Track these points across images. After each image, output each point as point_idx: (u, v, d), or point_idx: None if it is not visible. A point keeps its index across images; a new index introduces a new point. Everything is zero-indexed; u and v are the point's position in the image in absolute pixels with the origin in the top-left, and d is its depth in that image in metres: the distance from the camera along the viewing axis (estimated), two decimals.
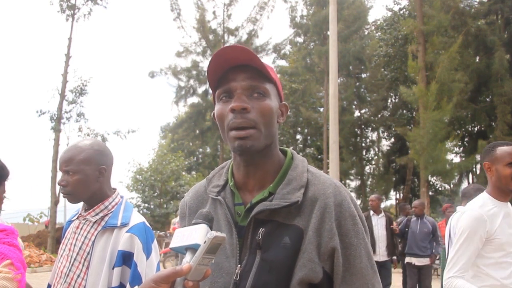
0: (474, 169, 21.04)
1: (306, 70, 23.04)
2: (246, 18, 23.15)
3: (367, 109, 25.21)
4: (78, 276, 1.62)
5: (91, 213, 1.70)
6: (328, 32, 14.67)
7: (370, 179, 25.51)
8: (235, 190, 1.08)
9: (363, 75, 24.62)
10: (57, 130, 15.46)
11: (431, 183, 22.25)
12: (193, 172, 29.02)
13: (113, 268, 1.58)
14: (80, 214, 1.74)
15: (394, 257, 6.76)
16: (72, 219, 1.79)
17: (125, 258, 1.58)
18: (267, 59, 24.35)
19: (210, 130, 23.87)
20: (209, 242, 0.82)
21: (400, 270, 6.84)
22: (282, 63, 27.29)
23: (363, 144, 26.02)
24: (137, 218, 1.70)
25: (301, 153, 18.44)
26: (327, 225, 0.96)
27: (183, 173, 23.19)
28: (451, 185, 22.31)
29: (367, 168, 25.83)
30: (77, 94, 15.98)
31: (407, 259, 6.30)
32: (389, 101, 24.96)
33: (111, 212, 1.70)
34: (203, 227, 0.86)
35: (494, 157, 2.12)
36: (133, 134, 22.34)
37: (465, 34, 16.80)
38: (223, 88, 1.02)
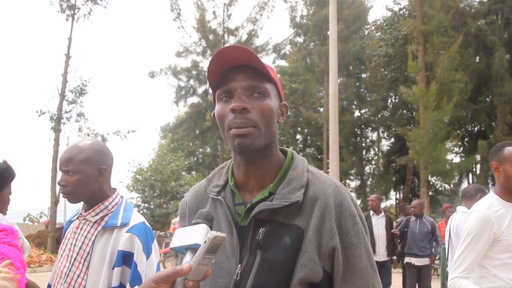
0: (474, 169, 21.04)
1: (306, 70, 23.04)
2: (246, 18, 23.19)
3: (367, 109, 25.22)
4: (78, 276, 1.62)
5: (91, 213, 1.70)
6: (328, 32, 14.67)
7: (370, 179, 25.52)
8: (235, 190, 1.08)
9: (363, 75, 24.63)
10: (57, 130, 15.47)
11: (431, 183, 22.26)
12: (193, 172, 29.02)
13: (113, 268, 1.58)
14: (80, 214, 1.74)
15: (394, 257, 6.76)
16: (72, 219, 1.79)
17: (125, 258, 1.58)
18: (267, 59, 24.38)
19: (210, 130, 23.88)
20: (209, 242, 0.82)
21: (400, 270, 6.84)
22: (282, 63, 27.34)
23: (363, 144, 26.03)
24: (137, 218, 1.70)
25: (301, 153, 18.43)
26: (327, 225, 0.96)
27: (183, 173, 23.18)
28: (451, 185, 22.30)
29: (367, 168, 25.85)
30: (77, 94, 15.98)
31: (407, 259, 6.30)
32: (389, 101, 24.97)
33: (111, 212, 1.70)
34: (203, 227, 0.86)
35: (502, 157, 2.09)
36: (133, 134, 22.37)
37: (465, 34, 16.80)
38: (223, 88, 1.03)
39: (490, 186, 18.50)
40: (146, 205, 20.97)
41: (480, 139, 17.25)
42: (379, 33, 23.78)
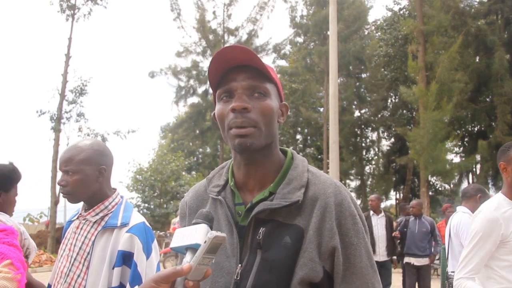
0: (474, 169, 21.04)
1: (306, 70, 23.04)
2: (246, 18, 23.17)
3: (367, 109, 25.21)
4: (78, 276, 1.62)
5: (91, 213, 1.70)
6: (328, 32, 14.67)
7: (370, 179, 25.52)
8: (236, 190, 1.08)
9: (363, 75, 24.62)
10: (57, 130, 15.46)
11: (431, 183, 22.26)
12: (193, 172, 29.02)
13: (113, 268, 1.58)
14: (80, 214, 1.74)
15: (394, 257, 6.76)
16: (72, 219, 1.79)
17: (125, 258, 1.58)
18: (267, 59, 24.37)
19: (210, 130, 23.87)
20: (210, 242, 0.82)
21: (400, 270, 6.84)
22: (282, 63, 27.33)
23: (363, 144, 26.03)
24: (137, 218, 1.70)
25: (301, 153, 18.42)
26: (327, 225, 0.96)
27: (183, 173, 23.18)
28: (451, 185, 22.29)
29: (367, 168, 25.85)
30: (77, 94, 15.97)
31: (406, 259, 6.30)
32: (389, 101, 24.96)
33: (111, 212, 1.70)
34: (203, 227, 0.86)
35: (510, 157, 2.07)
36: (133, 134, 22.36)
37: (465, 34, 16.79)
38: (224, 88, 1.03)
39: (490, 186, 18.54)
40: (146, 205, 20.96)
41: (480, 139, 17.24)
42: (379, 33, 23.77)
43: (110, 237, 1.63)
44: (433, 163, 14.55)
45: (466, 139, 20.53)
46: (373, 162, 26.22)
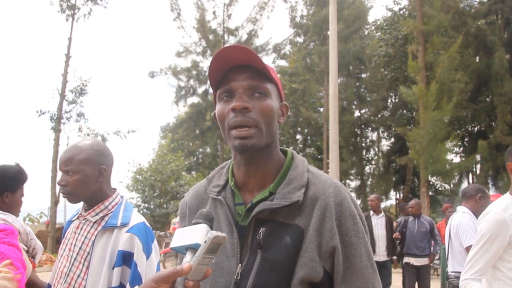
0: (474, 169, 21.04)
1: (306, 70, 23.03)
2: (246, 18, 23.15)
3: (367, 109, 25.20)
4: (78, 276, 1.62)
5: (91, 213, 1.70)
6: (328, 32, 14.66)
7: (370, 179, 25.51)
8: (236, 190, 1.08)
9: (363, 75, 24.61)
10: (57, 130, 15.46)
11: (431, 183, 22.25)
12: (193, 172, 29.02)
13: (113, 268, 1.58)
14: (80, 214, 1.74)
15: (394, 257, 6.76)
16: (72, 219, 1.79)
17: (125, 258, 1.58)
18: (267, 59, 24.35)
19: (210, 130, 23.86)
20: (210, 242, 0.82)
21: (400, 270, 6.84)
22: (282, 63, 27.32)
23: (363, 144, 26.02)
24: (137, 218, 1.70)
25: (301, 153, 18.40)
26: (327, 224, 0.96)
27: (183, 173, 23.18)
28: (451, 185, 22.28)
29: (367, 168, 25.84)
30: (77, 94, 15.97)
31: (406, 259, 6.30)
32: (389, 101, 24.95)
33: (111, 212, 1.70)
34: (203, 227, 0.86)
35: None
36: (133, 134, 22.33)
37: (465, 34, 16.78)
38: (224, 88, 1.03)
39: (490, 186, 18.52)
40: (146, 205, 20.96)
41: (480, 139, 17.23)
42: (379, 33, 23.76)
43: (110, 237, 1.63)
44: (433, 163, 14.54)
45: (466, 139, 20.52)
46: (373, 162, 26.22)
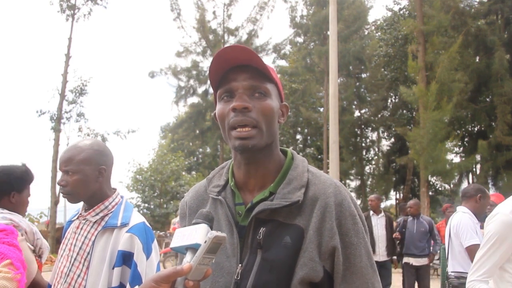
0: (474, 169, 21.03)
1: (306, 70, 23.03)
2: (246, 18, 23.16)
3: (367, 109, 25.20)
4: (78, 276, 1.62)
5: (91, 213, 1.70)
6: (328, 32, 14.67)
7: (370, 179, 25.51)
8: (236, 190, 1.08)
9: (363, 75, 24.61)
10: (57, 130, 15.46)
11: (431, 183, 22.25)
12: (193, 172, 29.02)
13: (113, 268, 1.58)
14: (80, 214, 1.74)
15: (394, 257, 6.75)
16: (72, 219, 1.79)
17: (125, 258, 1.58)
18: (267, 59, 24.34)
19: (210, 130, 23.86)
20: (210, 242, 0.82)
21: (400, 270, 6.84)
22: (282, 63, 27.32)
23: (363, 144, 26.02)
24: (137, 218, 1.70)
25: (301, 153, 18.39)
26: (327, 224, 0.96)
27: (183, 173, 23.17)
28: (451, 185, 22.28)
29: (367, 168, 25.84)
30: (77, 94, 15.96)
31: (405, 259, 6.30)
32: (389, 101, 24.95)
33: (111, 212, 1.70)
34: (203, 227, 0.86)
35: None
36: (133, 134, 22.32)
37: (465, 34, 16.79)
38: (225, 88, 1.03)
39: (490, 186, 18.52)
40: (146, 205, 20.96)
41: (480, 139, 17.22)
42: (379, 33, 23.77)
43: (110, 237, 1.63)
44: (433, 163, 14.55)
45: (466, 139, 20.52)
46: (373, 162, 26.22)
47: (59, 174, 1.77)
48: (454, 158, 20.50)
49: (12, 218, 1.89)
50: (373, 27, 25.11)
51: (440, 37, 16.10)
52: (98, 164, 1.71)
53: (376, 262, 5.09)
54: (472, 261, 3.43)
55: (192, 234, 0.86)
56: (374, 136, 26.70)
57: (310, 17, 22.66)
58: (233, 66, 1.02)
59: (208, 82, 23.24)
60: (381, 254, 6.27)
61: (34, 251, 1.96)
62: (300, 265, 0.94)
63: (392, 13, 23.36)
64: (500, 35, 17.80)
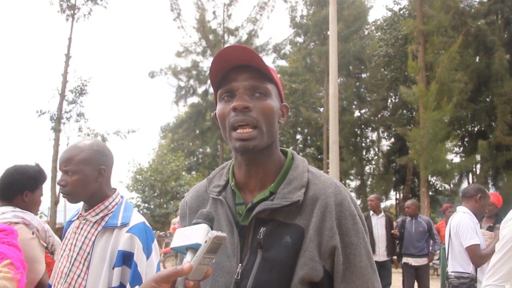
0: (474, 169, 21.03)
1: (306, 70, 23.02)
2: (246, 18, 23.15)
3: (367, 109, 25.19)
4: (79, 276, 1.62)
5: (91, 213, 1.69)
6: (328, 32, 14.67)
7: (370, 179, 25.51)
8: (236, 190, 1.08)
9: (363, 75, 24.60)
10: (57, 130, 15.45)
11: (431, 183, 22.25)
12: (193, 172, 29.02)
13: (113, 268, 1.58)
14: (80, 214, 1.74)
15: (395, 257, 6.75)
16: (72, 219, 1.79)
17: (125, 258, 1.58)
18: (267, 59, 24.32)
19: (210, 130, 23.86)
20: (210, 242, 0.82)
21: (400, 270, 6.84)
22: (282, 63, 27.31)
23: (363, 144, 26.02)
24: (137, 218, 1.70)
25: (301, 153, 18.41)
26: (327, 224, 0.97)
27: (183, 173, 23.17)
28: (451, 185, 22.28)
29: (367, 168, 25.84)
30: (77, 94, 15.95)
31: (404, 260, 6.30)
32: (389, 101, 24.94)
33: (111, 212, 1.70)
34: (203, 227, 0.86)
35: None
36: (133, 134, 22.30)
37: (465, 34, 16.78)
38: (225, 88, 1.03)
39: (490, 186, 18.52)
40: (146, 205, 20.96)
41: (480, 139, 17.22)
42: (379, 33, 23.76)
43: (110, 237, 1.63)
44: (433, 163, 14.54)
45: (466, 139, 20.51)
46: (373, 162, 26.22)
47: (59, 174, 1.77)
48: (454, 158, 20.51)
49: (23, 216, 1.93)
50: (373, 27, 25.10)
51: (440, 37, 16.10)
52: (98, 164, 1.71)
53: (376, 262, 5.09)
54: (472, 261, 3.44)
55: (193, 234, 0.86)
56: (374, 136, 26.72)
57: (310, 17, 22.66)
58: (234, 66, 1.02)
59: (208, 82, 23.25)
60: (381, 254, 6.27)
61: (46, 248, 1.98)
62: (300, 264, 0.94)
63: (392, 13, 23.35)
64: (500, 35, 17.79)
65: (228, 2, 22.60)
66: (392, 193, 25.90)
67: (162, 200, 21.29)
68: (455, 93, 15.23)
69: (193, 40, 23.20)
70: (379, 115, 24.51)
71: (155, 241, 1.70)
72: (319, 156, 25.07)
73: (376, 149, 26.74)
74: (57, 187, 13.36)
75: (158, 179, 20.71)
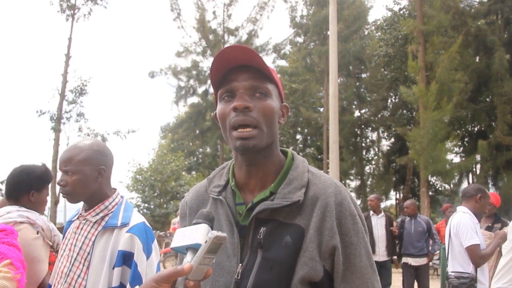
0: (474, 169, 21.03)
1: (306, 70, 23.02)
2: (246, 18, 23.16)
3: (367, 109, 25.19)
4: (79, 276, 1.62)
5: (91, 213, 1.69)
6: (328, 32, 14.67)
7: (370, 179, 25.50)
8: (236, 190, 1.08)
9: (363, 75, 24.59)
10: (57, 130, 15.47)
11: (431, 183, 22.24)
12: (193, 172, 29.02)
13: (113, 268, 1.58)
14: (80, 214, 1.74)
15: (395, 257, 6.75)
16: (73, 219, 1.79)
17: (125, 258, 1.58)
18: (267, 59, 24.32)
19: (210, 130, 23.86)
20: (210, 242, 0.82)
21: (401, 270, 6.84)
22: (282, 63, 27.31)
23: (363, 144, 26.01)
24: (137, 218, 1.70)
25: (301, 153, 18.40)
26: (328, 224, 0.97)
27: (183, 173, 23.18)
28: (451, 185, 22.27)
29: (367, 168, 25.83)
30: (77, 94, 15.98)
31: (404, 260, 6.30)
32: (389, 101, 24.94)
33: (111, 212, 1.70)
34: (204, 227, 0.86)
35: None
36: (133, 134, 22.34)
37: (465, 34, 16.78)
38: (225, 88, 1.03)
39: (490, 186, 18.52)
40: (146, 205, 20.96)
41: (480, 139, 17.22)
42: (379, 33, 23.75)
43: (110, 237, 1.63)
44: (433, 163, 14.54)
45: (466, 139, 20.51)
46: (373, 162, 26.21)
47: (59, 174, 1.77)
48: (454, 158, 20.51)
49: (28, 215, 1.94)
50: (373, 27, 25.10)
51: (440, 37, 16.10)
52: (97, 164, 1.71)
53: (376, 262, 5.10)
54: (472, 261, 3.44)
55: (193, 234, 0.86)
56: (374, 136, 26.71)
57: (310, 17, 22.66)
58: (234, 66, 1.02)
59: (208, 82, 23.26)
60: (381, 254, 6.27)
61: (51, 247, 1.99)
62: (300, 264, 0.94)
63: (392, 13, 23.35)
64: (500, 35, 17.79)
65: (228, 2, 22.62)
66: (392, 193, 25.92)
67: (162, 200, 21.29)
68: (455, 93, 15.23)
69: (193, 40, 23.22)
70: (379, 115, 24.51)
71: (155, 241, 1.70)
72: (319, 156, 25.07)
73: (376, 149, 26.74)
74: (57, 187, 13.36)
75: (158, 179, 20.71)
